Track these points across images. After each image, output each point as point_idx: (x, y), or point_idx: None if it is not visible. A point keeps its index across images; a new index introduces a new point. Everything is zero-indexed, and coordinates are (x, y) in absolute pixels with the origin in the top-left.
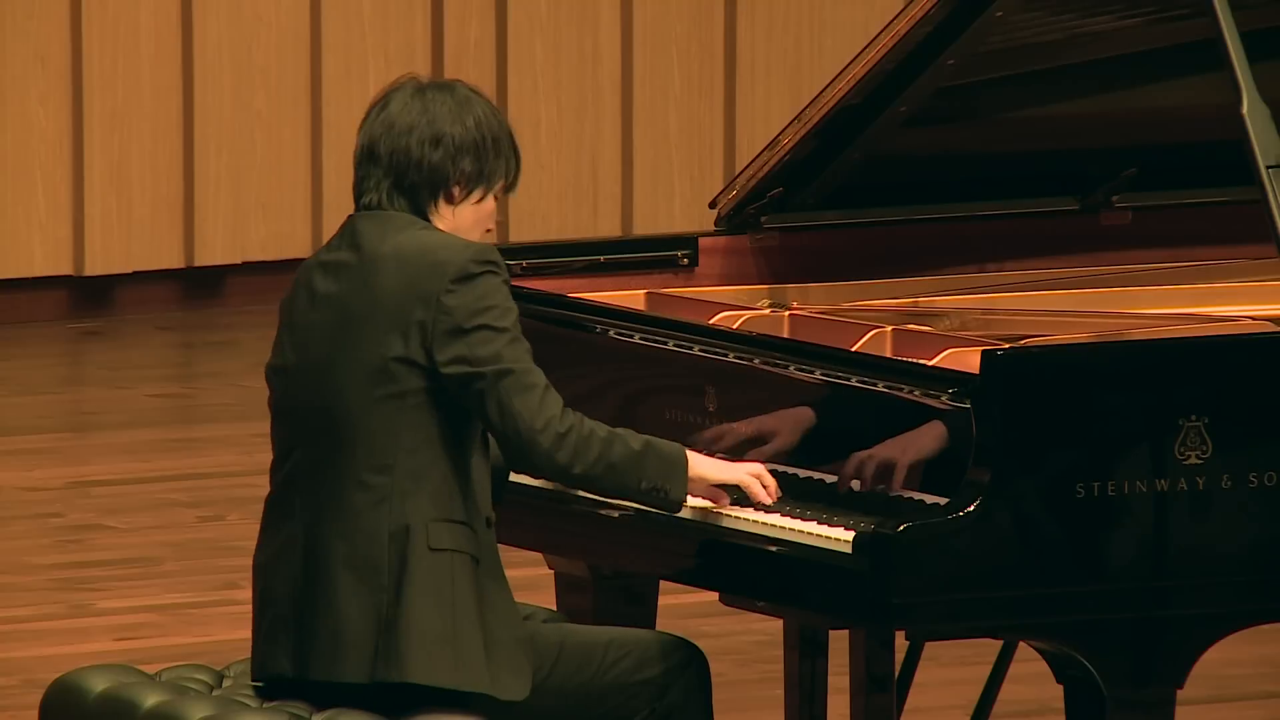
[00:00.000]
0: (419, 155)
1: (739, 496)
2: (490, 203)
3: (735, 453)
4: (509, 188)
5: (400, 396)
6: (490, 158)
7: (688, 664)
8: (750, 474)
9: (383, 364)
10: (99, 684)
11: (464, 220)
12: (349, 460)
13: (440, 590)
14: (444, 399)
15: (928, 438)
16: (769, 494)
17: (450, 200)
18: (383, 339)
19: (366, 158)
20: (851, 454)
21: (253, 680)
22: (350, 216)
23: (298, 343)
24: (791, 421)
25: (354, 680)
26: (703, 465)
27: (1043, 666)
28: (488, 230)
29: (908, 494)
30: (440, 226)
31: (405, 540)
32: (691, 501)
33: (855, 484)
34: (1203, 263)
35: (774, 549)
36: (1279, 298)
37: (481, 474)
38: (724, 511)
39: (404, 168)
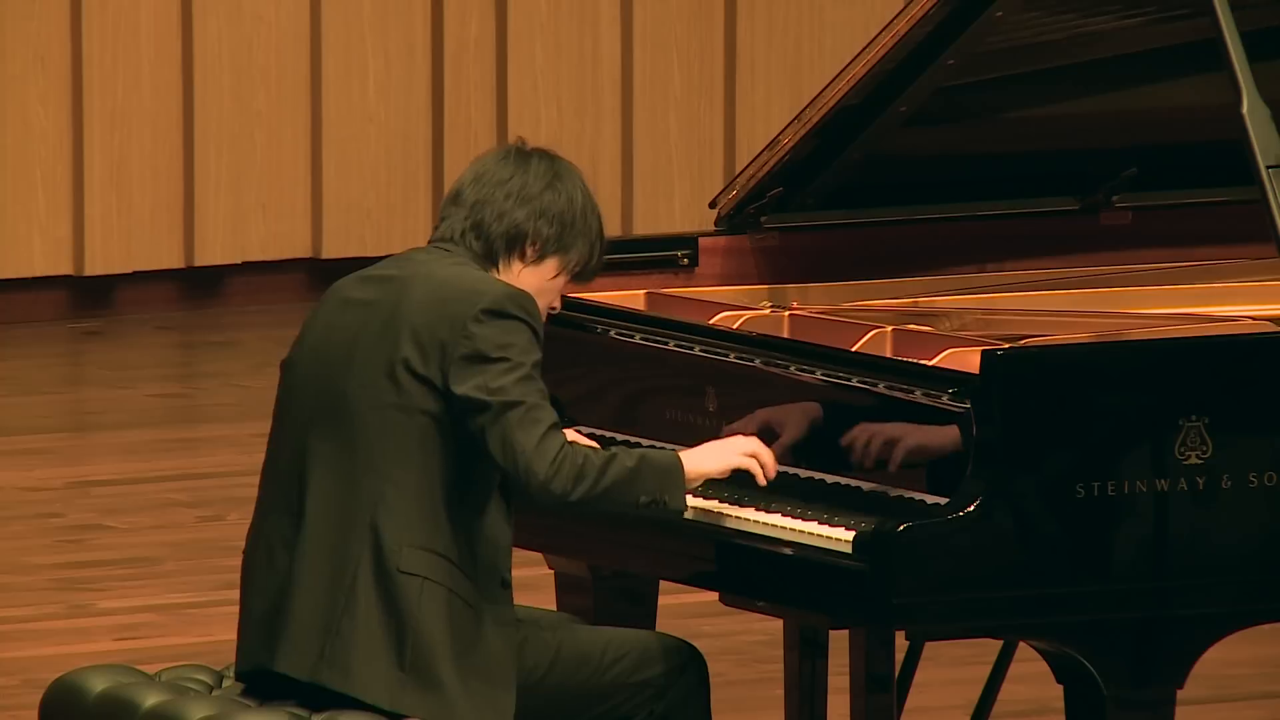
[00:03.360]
0: (503, 208)
1: (735, 494)
2: (559, 280)
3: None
4: (582, 274)
5: (406, 410)
6: (572, 232)
7: (687, 665)
8: (745, 453)
9: (394, 370)
10: (99, 684)
11: (527, 283)
12: (345, 453)
13: (402, 610)
14: (452, 430)
15: (929, 434)
16: (768, 470)
17: (523, 258)
18: (401, 345)
19: (450, 200)
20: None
21: (235, 671)
22: (413, 248)
23: (317, 339)
24: (795, 420)
25: (292, 674)
26: (699, 463)
27: (1043, 666)
28: (551, 308)
29: (908, 494)
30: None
31: (376, 549)
32: (693, 502)
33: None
34: (1203, 263)
35: (774, 549)
36: (1279, 298)
37: (498, 534)
38: (724, 511)
39: (485, 215)
